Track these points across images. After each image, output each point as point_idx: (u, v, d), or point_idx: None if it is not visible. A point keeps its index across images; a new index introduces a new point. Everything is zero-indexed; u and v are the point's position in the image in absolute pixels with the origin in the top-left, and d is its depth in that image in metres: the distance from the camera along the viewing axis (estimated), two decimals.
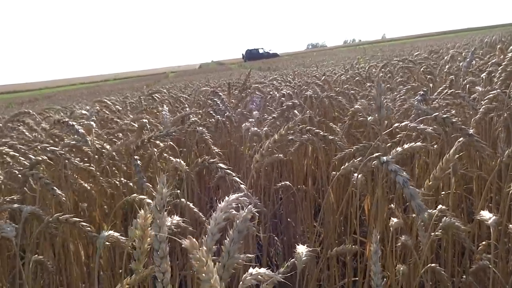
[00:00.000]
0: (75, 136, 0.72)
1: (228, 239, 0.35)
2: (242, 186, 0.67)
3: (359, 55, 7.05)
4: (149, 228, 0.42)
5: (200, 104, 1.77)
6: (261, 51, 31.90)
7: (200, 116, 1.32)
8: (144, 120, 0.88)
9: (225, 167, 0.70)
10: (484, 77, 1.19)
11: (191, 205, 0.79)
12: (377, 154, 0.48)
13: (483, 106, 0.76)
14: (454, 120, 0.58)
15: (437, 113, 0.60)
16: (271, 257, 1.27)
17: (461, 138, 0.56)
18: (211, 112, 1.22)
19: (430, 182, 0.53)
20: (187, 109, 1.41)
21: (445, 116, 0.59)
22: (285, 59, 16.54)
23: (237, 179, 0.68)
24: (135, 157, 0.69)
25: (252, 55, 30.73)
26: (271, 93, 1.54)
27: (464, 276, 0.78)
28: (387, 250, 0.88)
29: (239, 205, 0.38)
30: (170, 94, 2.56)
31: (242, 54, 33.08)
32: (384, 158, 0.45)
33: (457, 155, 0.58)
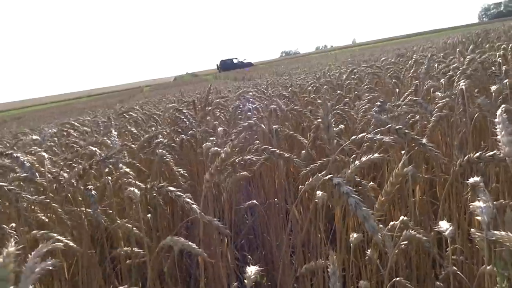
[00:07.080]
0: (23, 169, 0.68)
1: None
2: (194, 206, 0.64)
3: (330, 61, 7.18)
4: None
5: (170, 120, 1.74)
6: (235, 61, 32.06)
7: (167, 134, 1.29)
8: (93, 148, 0.84)
9: (174, 189, 0.67)
10: (443, 82, 1.21)
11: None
12: (329, 176, 0.47)
13: (435, 115, 0.78)
14: (407, 131, 0.59)
15: (390, 125, 0.61)
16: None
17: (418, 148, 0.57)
18: (178, 129, 1.20)
19: (383, 198, 0.53)
20: (153, 128, 1.38)
21: (397, 127, 0.60)
22: (259, 68, 16.67)
23: (189, 201, 0.65)
24: (89, 187, 0.66)
25: (226, 65, 30.84)
26: (240, 107, 1.53)
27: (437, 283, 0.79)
28: (360, 263, 0.88)
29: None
30: (144, 110, 2.52)
31: (217, 65, 33.13)
32: (336, 180, 0.44)
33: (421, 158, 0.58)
